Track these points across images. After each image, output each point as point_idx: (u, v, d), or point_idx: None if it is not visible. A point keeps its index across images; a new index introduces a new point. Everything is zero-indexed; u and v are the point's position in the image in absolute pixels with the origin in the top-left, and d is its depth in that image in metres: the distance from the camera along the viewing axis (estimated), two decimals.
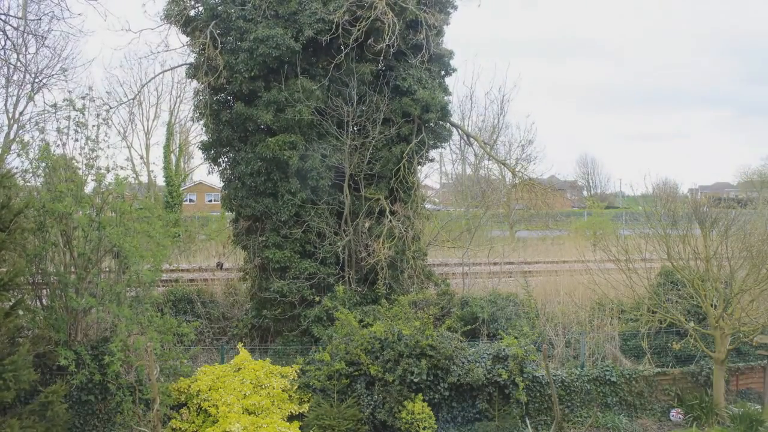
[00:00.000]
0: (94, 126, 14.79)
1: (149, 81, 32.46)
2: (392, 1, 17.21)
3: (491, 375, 14.69)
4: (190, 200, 64.82)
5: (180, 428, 13.72)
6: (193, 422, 13.82)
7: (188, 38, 18.43)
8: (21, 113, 28.52)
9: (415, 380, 14.15)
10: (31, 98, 25.01)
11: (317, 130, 17.93)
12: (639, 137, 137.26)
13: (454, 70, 19.85)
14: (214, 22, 17.65)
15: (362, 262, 17.93)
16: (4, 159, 17.02)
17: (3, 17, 15.70)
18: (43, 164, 14.02)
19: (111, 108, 18.22)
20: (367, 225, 18.39)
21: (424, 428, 13.79)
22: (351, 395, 14.32)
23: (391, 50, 17.10)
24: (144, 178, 41.29)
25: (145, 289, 14.19)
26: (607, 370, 15.72)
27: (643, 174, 52.13)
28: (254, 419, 13.21)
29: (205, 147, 19.18)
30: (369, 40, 17.35)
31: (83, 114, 14.64)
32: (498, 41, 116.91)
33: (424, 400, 14.20)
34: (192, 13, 18.38)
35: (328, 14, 17.09)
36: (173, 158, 42.40)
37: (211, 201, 69.43)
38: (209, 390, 13.85)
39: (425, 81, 18.25)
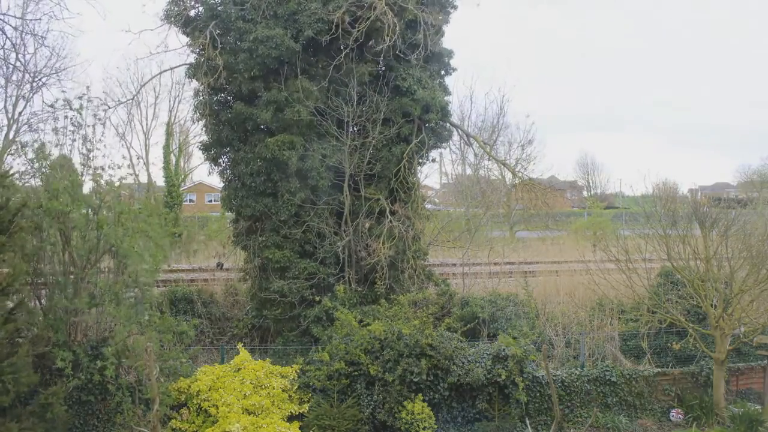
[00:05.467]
0: (90, 126, 14.80)
1: (148, 81, 32.50)
2: (392, 1, 17.22)
3: (491, 375, 14.68)
4: (190, 200, 64.80)
5: (180, 428, 13.70)
6: (193, 422, 13.80)
7: (188, 38, 18.43)
8: (20, 113, 28.54)
9: (415, 380, 14.14)
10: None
11: (317, 131, 17.93)
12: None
13: (454, 69, 19.87)
14: (213, 22, 17.66)
15: (362, 262, 17.93)
16: (3, 159, 17.01)
17: (2, 17, 15.71)
18: (39, 164, 14.00)
19: (109, 108, 18.24)
20: (367, 225, 18.40)
21: (424, 428, 13.78)
22: (351, 395, 14.31)
23: (391, 50, 17.10)
24: (143, 179, 41.32)
25: (144, 289, 14.16)
26: (607, 371, 15.72)
27: (643, 174, 52.03)
28: (254, 419, 13.20)
29: (205, 147, 19.18)
30: (369, 41, 17.37)
31: (80, 114, 14.64)
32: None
33: (424, 400, 14.19)
34: (192, 13, 18.39)
35: (328, 14, 17.09)
36: (173, 158, 42.38)
37: (211, 201, 69.38)
38: (209, 390, 13.84)
39: (425, 81, 18.25)
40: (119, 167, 14.83)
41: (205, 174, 69.72)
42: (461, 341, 15.34)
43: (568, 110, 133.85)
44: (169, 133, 41.86)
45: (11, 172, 13.77)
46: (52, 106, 15.05)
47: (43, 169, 14.09)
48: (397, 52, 17.77)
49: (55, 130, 14.55)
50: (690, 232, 16.23)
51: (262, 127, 17.91)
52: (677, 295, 16.86)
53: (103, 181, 14.30)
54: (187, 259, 28.16)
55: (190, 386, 13.98)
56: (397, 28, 16.88)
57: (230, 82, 17.76)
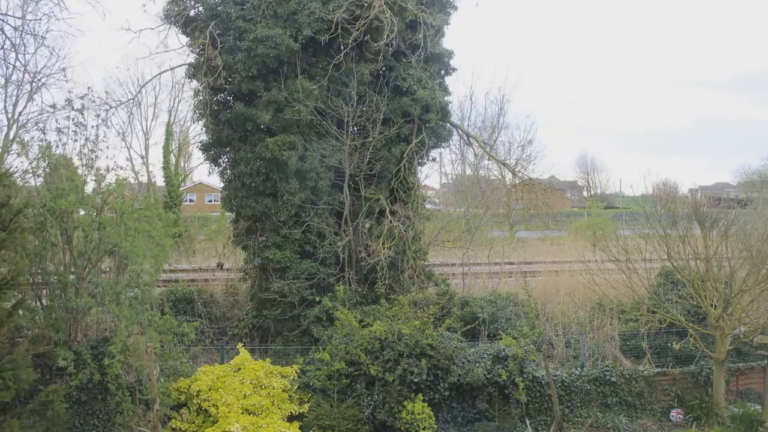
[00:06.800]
0: (93, 126, 14.81)
1: (148, 82, 32.44)
2: (391, 0, 17.22)
3: (491, 375, 14.68)
4: (190, 200, 64.67)
5: (180, 428, 13.69)
6: (193, 422, 13.78)
7: (188, 38, 18.44)
8: (20, 113, 28.55)
9: (415, 380, 14.13)
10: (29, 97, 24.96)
11: (317, 130, 17.92)
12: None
13: (454, 69, 19.89)
14: (213, 22, 17.66)
15: (362, 262, 17.92)
16: (4, 159, 17.02)
17: (2, 17, 15.70)
18: (44, 164, 14.01)
19: (110, 108, 18.25)
20: (367, 225, 18.40)
21: (424, 428, 13.78)
22: (351, 395, 14.31)
23: (390, 49, 17.11)
24: (144, 179, 41.26)
25: (145, 289, 14.16)
26: (607, 371, 15.72)
27: (643, 174, 51.71)
28: (254, 419, 13.20)
29: (205, 147, 19.19)
30: (369, 41, 17.35)
31: (82, 114, 14.65)
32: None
33: (424, 400, 14.18)
34: (192, 13, 18.40)
35: (328, 14, 17.09)
36: (173, 158, 42.31)
37: (211, 201, 69.30)
38: (209, 390, 13.83)
39: (425, 81, 18.25)
40: (121, 168, 14.87)
41: (205, 174, 69.69)
42: (461, 341, 15.35)
43: (569, 109, 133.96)
44: (169, 133, 41.78)
45: (12, 171, 13.77)
46: (53, 106, 15.07)
47: (46, 169, 14.09)
48: (397, 52, 17.79)
49: (58, 131, 14.56)
50: (690, 232, 16.24)
51: (262, 127, 17.90)
52: (677, 295, 16.86)
53: (105, 182, 14.30)
54: (187, 259, 28.19)
55: (190, 386, 13.97)
56: (395, 28, 16.88)
57: (230, 82, 17.75)
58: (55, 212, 13.21)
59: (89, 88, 15.28)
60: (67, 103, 14.71)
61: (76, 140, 14.57)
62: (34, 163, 14.06)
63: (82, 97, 14.88)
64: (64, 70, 29.42)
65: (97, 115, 15.04)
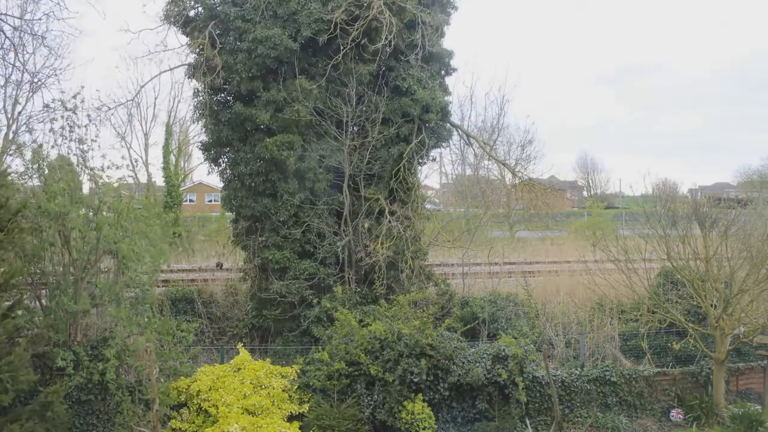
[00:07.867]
0: (85, 126, 14.80)
1: (147, 83, 32.50)
2: (390, 0, 17.21)
3: (491, 375, 14.67)
4: (190, 200, 64.67)
5: (180, 428, 13.69)
6: (193, 422, 13.78)
7: (188, 38, 18.45)
8: (20, 113, 28.52)
9: (415, 380, 14.13)
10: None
11: (316, 131, 17.91)
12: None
13: (455, 69, 19.86)
14: (213, 22, 17.67)
15: (362, 263, 17.91)
16: (3, 159, 17.00)
17: (2, 17, 15.72)
18: (36, 165, 13.99)
19: (109, 109, 18.25)
20: (366, 225, 18.39)
21: (424, 428, 13.78)
22: (351, 395, 14.30)
23: (388, 50, 17.08)
24: (143, 179, 41.24)
25: (143, 289, 14.15)
26: (607, 371, 15.71)
27: (643, 174, 51.60)
28: (254, 419, 13.19)
29: (205, 147, 19.20)
30: (369, 41, 17.34)
31: (75, 114, 14.63)
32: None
33: (424, 400, 14.18)
34: (191, 13, 18.40)
35: (327, 14, 17.08)
36: (172, 158, 42.26)
37: (211, 201, 69.30)
38: (209, 390, 13.83)
39: (425, 81, 18.23)
40: (118, 167, 14.84)
41: (205, 174, 69.64)
42: (461, 341, 15.34)
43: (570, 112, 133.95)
44: (168, 133, 41.76)
45: (9, 172, 13.75)
46: (48, 106, 15.05)
47: (42, 170, 14.06)
48: (397, 52, 17.77)
49: (53, 131, 14.55)
50: (690, 232, 16.23)
51: (261, 127, 17.91)
52: (677, 295, 16.86)
53: (101, 182, 14.27)
54: (187, 259, 28.17)
55: (190, 386, 13.97)
56: (394, 28, 16.87)
57: (229, 82, 17.76)
58: (50, 214, 13.19)
59: (82, 87, 15.27)
60: (62, 103, 14.70)
61: (70, 140, 14.57)
62: (30, 165, 14.04)
63: (74, 96, 14.87)
64: (63, 70, 29.38)
65: (88, 116, 15.02)
